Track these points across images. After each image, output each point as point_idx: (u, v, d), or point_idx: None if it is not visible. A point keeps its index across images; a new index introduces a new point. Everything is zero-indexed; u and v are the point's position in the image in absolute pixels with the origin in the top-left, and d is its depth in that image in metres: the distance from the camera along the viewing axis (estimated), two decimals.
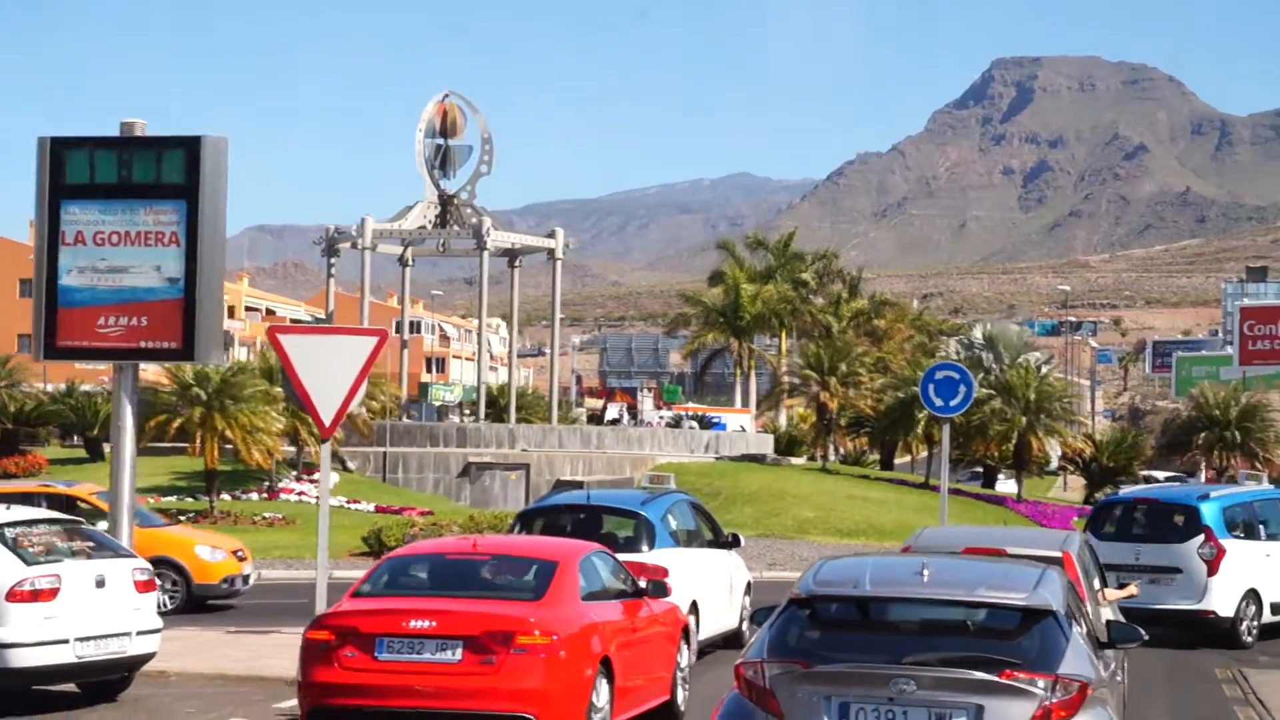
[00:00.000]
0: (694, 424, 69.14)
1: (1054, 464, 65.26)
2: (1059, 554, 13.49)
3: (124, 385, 18.63)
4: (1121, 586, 17.27)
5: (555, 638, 12.63)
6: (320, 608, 16.80)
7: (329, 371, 19.80)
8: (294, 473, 45.22)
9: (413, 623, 12.59)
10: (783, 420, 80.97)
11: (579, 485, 49.88)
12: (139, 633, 15.91)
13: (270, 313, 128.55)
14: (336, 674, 12.63)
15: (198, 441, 39.01)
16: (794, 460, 61.66)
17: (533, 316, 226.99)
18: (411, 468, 50.08)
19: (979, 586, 10.21)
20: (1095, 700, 9.75)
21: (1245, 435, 50.32)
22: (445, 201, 56.78)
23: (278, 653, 18.50)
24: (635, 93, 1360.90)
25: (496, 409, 63.31)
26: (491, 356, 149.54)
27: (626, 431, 57.93)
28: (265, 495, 43.33)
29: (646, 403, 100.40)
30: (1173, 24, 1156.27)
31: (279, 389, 35.58)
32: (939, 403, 31.30)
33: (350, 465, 49.19)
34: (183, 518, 39.84)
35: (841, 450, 68.97)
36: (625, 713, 13.90)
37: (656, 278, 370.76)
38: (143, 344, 18.06)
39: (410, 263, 60.93)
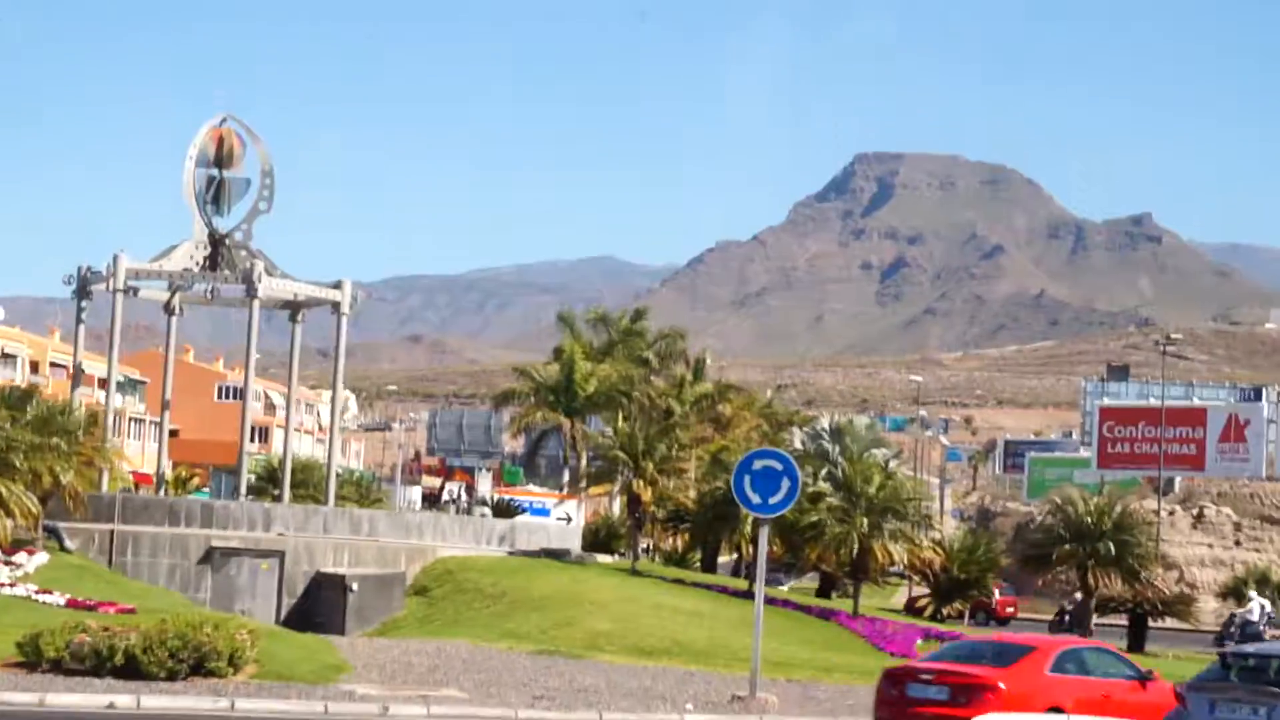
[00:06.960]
0: (486, 510, 61.34)
1: (898, 566, 59.11)
2: None
3: None
4: None
5: (1001, 686, 21.43)
6: None
7: None
8: None
9: (922, 675, 22.53)
10: (615, 509, 74.11)
11: (341, 579, 42.23)
12: None
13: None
14: (886, 700, 22.83)
15: None
16: (602, 558, 53.72)
17: (383, 391, 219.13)
18: (144, 550, 41.88)
19: None
20: None
21: (1122, 550, 42.94)
22: (216, 241, 49.04)
23: None
24: (501, 169, 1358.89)
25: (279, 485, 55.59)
26: (321, 428, 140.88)
27: (405, 518, 50.16)
28: None
29: (485, 483, 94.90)
30: (1033, 127, 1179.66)
31: None
32: (756, 499, 25.98)
33: (69, 544, 41.07)
34: None
35: (664, 547, 61.64)
36: None
37: (514, 357, 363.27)
38: None
39: (179, 311, 52.94)
